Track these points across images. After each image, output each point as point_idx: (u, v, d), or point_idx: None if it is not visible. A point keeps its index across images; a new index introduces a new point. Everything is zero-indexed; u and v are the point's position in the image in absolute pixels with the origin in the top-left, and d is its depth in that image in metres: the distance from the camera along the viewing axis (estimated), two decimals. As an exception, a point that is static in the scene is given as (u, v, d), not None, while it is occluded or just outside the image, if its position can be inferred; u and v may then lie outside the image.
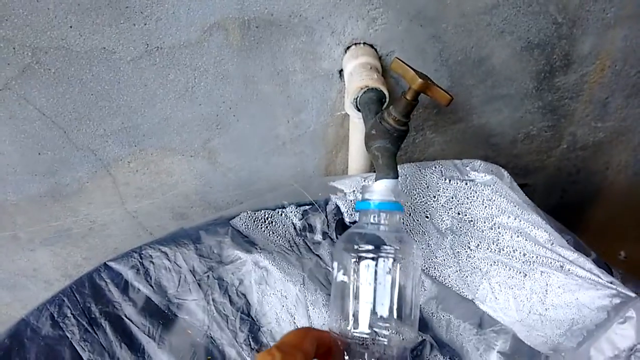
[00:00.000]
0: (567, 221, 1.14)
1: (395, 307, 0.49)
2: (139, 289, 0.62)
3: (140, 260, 0.63)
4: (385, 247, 0.50)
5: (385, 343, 0.49)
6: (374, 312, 0.49)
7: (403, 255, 0.50)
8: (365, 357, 0.49)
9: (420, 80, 0.50)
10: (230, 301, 0.62)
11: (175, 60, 0.63)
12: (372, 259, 0.49)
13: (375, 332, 0.48)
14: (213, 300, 0.61)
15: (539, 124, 0.86)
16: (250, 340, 0.60)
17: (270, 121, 0.73)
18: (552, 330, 0.53)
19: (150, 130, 0.70)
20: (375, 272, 0.49)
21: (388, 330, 0.48)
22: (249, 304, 0.62)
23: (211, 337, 0.61)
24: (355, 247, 0.50)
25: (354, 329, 0.49)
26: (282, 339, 0.44)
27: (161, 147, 0.73)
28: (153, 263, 0.63)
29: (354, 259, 0.50)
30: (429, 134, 0.84)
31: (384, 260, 0.49)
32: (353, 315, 0.49)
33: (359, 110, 0.63)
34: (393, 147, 0.54)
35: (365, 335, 0.49)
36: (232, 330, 0.60)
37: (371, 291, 0.49)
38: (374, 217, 0.52)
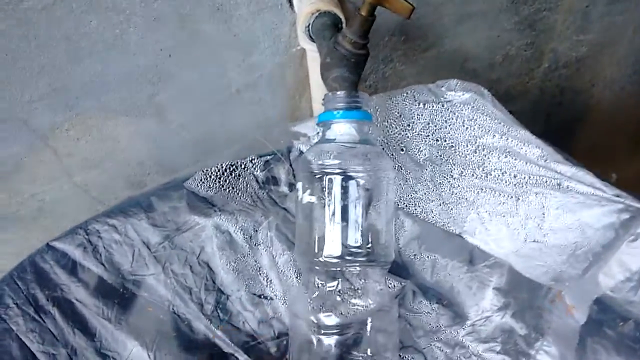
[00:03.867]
0: (554, 146, 1.08)
1: (367, 227, 0.44)
2: (89, 269, 0.55)
3: (87, 237, 0.56)
4: (353, 160, 0.44)
5: (358, 270, 0.44)
6: (344, 234, 0.43)
7: (374, 169, 0.45)
8: (336, 285, 0.44)
9: (374, -11, 0.42)
10: (192, 271, 0.55)
11: (95, 3, 0.54)
12: (340, 174, 0.44)
13: (347, 258, 0.43)
14: (173, 272, 0.55)
15: (517, 43, 0.79)
16: (219, 311, 0.54)
17: (218, 66, 0.65)
18: (553, 258, 0.47)
19: (83, 90, 0.62)
20: (344, 188, 0.44)
21: (360, 257, 0.43)
22: (214, 272, 0.55)
23: (176, 313, 0.55)
24: (320, 162, 0.44)
25: (324, 253, 0.44)
26: None
27: (100, 109, 0.65)
28: (101, 238, 0.56)
29: (319, 176, 0.44)
30: (399, 66, 0.76)
31: (353, 176, 0.44)
32: (322, 239, 0.44)
33: (313, 40, 0.55)
34: (352, 75, 0.47)
35: (335, 260, 0.43)
36: (198, 302, 0.54)
37: (339, 210, 0.44)
38: (340, 128, 0.45)
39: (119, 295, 0.55)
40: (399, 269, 0.53)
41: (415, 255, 0.53)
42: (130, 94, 0.64)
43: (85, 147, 0.69)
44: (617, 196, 0.43)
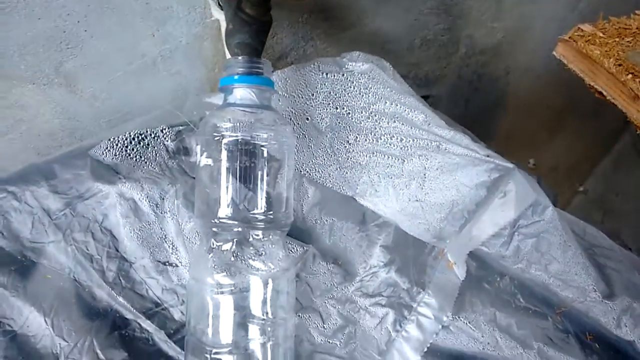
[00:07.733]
0: (472, 132, 1.12)
1: (265, 190, 0.45)
2: (-16, 237, 0.53)
3: (-16, 205, 0.54)
4: (251, 124, 0.45)
5: (258, 234, 0.45)
6: (240, 196, 0.44)
7: (272, 134, 0.46)
8: (232, 247, 0.45)
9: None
10: (94, 239, 0.54)
11: (-8, -39, 0.52)
12: (236, 137, 0.45)
13: (245, 221, 0.44)
14: (74, 239, 0.54)
15: (434, 27, 0.82)
16: (121, 278, 0.54)
17: (131, 35, 0.64)
18: (433, 216, 0.50)
19: (-17, 54, 0.59)
20: (240, 151, 0.44)
21: (259, 220, 0.44)
22: (117, 240, 0.55)
23: (77, 280, 0.54)
24: (218, 125, 0.45)
25: (221, 214, 0.44)
26: None
27: (4, 76, 0.62)
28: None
29: (218, 139, 0.45)
30: (319, 45, 0.77)
31: (249, 140, 0.45)
32: (218, 201, 0.45)
33: (222, 9, 0.55)
34: (254, 42, 0.47)
35: (231, 222, 0.44)
36: (99, 270, 0.54)
37: (235, 172, 0.44)
38: (240, 93, 0.46)
39: (17, 263, 0.53)
40: (302, 234, 0.55)
41: (316, 220, 0.55)
42: (36, 60, 0.62)
43: (-11, 116, 0.66)
44: (488, 156, 0.46)
